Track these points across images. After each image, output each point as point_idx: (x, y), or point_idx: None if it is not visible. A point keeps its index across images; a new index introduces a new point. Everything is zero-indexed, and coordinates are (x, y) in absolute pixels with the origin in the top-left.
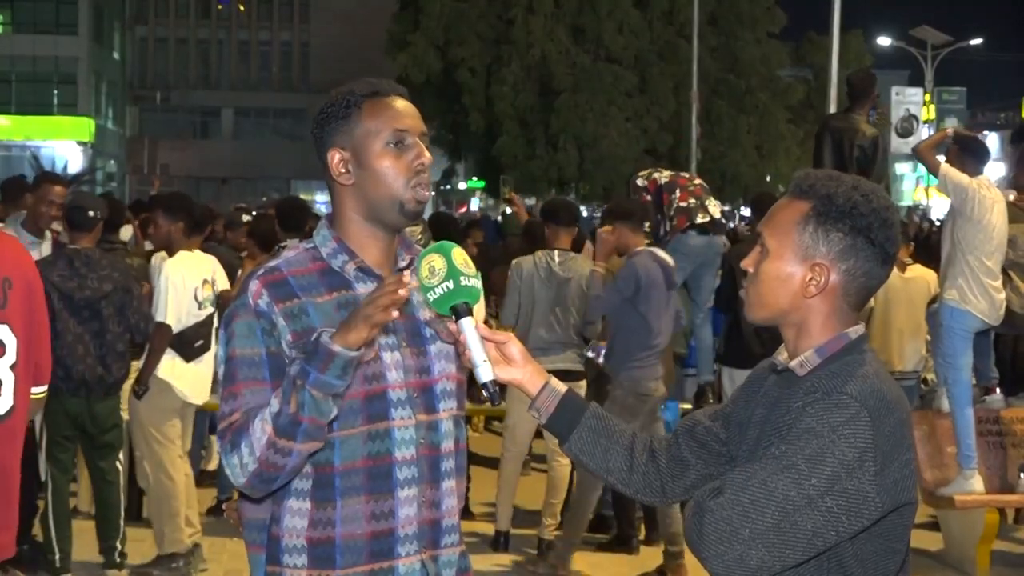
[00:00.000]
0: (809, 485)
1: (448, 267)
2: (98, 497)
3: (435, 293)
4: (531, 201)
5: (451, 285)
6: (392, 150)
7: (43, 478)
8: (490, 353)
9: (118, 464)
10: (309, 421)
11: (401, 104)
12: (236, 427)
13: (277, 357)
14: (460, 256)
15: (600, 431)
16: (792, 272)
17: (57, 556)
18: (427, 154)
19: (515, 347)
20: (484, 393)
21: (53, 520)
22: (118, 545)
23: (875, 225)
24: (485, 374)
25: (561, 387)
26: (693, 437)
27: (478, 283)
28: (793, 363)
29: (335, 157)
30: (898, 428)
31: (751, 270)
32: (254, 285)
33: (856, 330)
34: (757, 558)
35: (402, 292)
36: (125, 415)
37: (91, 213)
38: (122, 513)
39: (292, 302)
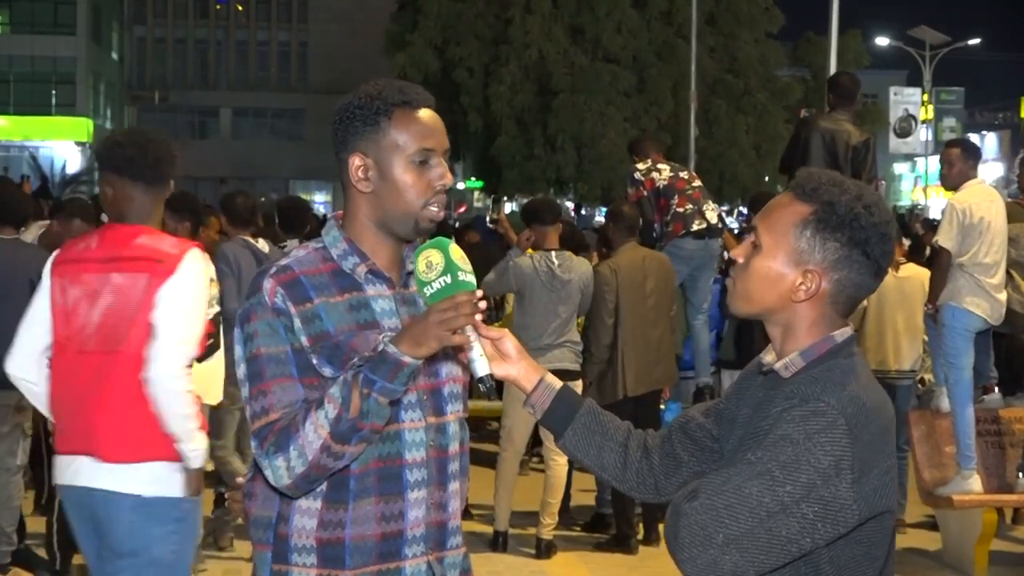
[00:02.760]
0: (784, 492)
1: (445, 262)
2: None
3: (432, 288)
4: None
5: (448, 280)
6: (416, 168)
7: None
8: (486, 349)
9: None
10: (370, 427)
11: (429, 118)
12: (279, 428)
13: (301, 354)
14: (457, 252)
15: (594, 428)
16: (783, 273)
17: (58, 560)
18: (449, 175)
19: (510, 343)
20: (481, 387)
21: (57, 527)
22: None
23: (873, 239)
24: (482, 368)
25: (556, 383)
26: (686, 434)
27: (474, 279)
28: (778, 365)
29: (355, 162)
30: (879, 435)
31: (740, 261)
32: (268, 284)
33: (842, 333)
34: (731, 563)
35: (478, 317)
36: None
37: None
38: None
39: (306, 305)
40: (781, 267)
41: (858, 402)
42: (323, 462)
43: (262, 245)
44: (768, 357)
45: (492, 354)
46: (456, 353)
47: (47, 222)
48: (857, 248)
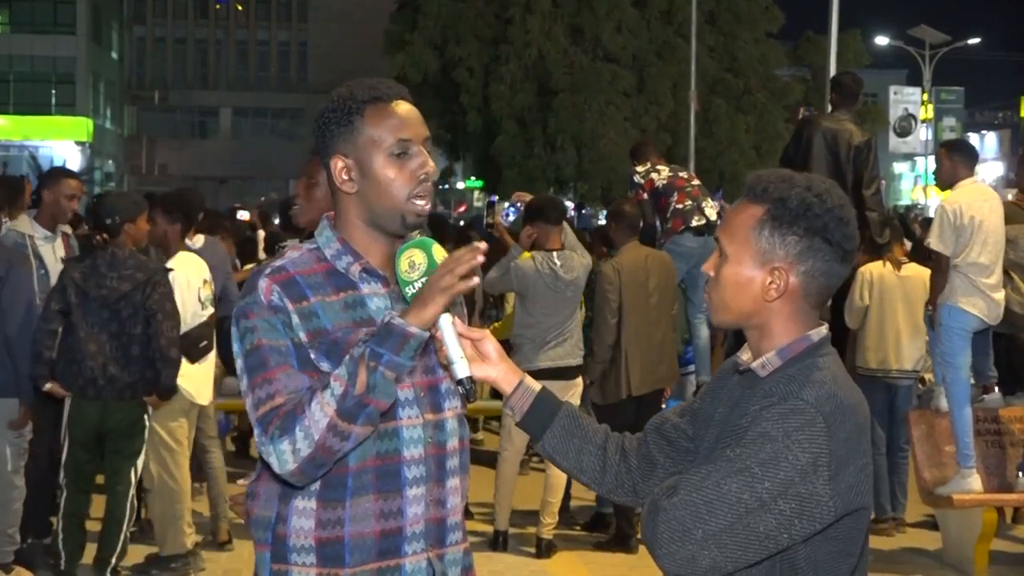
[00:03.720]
0: (762, 488)
1: (428, 262)
2: (106, 505)
3: (414, 288)
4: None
5: None
6: (395, 160)
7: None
8: (465, 350)
9: (131, 475)
10: (375, 404)
11: (404, 109)
12: (284, 412)
13: (301, 348)
14: (440, 252)
15: (573, 431)
16: (752, 276)
17: (62, 559)
18: (431, 163)
19: (490, 344)
20: (460, 390)
21: (62, 525)
22: (112, 560)
23: (831, 225)
24: (461, 370)
25: (535, 385)
26: (661, 435)
27: None
28: (755, 364)
29: (338, 164)
30: (855, 433)
31: (712, 274)
32: (263, 283)
33: (818, 332)
34: (709, 558)
35: (480, 259)
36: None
37: (108, 220)
38: (125, 528)
39: (303, 303)
40: (748, 270)
41: (836, 400)
42: (329, 443)
43: (197, 241)
44: (744, 356)
45: (472, 355)
46: (436, 352)
47: (34, 210)
48: (817, 236)
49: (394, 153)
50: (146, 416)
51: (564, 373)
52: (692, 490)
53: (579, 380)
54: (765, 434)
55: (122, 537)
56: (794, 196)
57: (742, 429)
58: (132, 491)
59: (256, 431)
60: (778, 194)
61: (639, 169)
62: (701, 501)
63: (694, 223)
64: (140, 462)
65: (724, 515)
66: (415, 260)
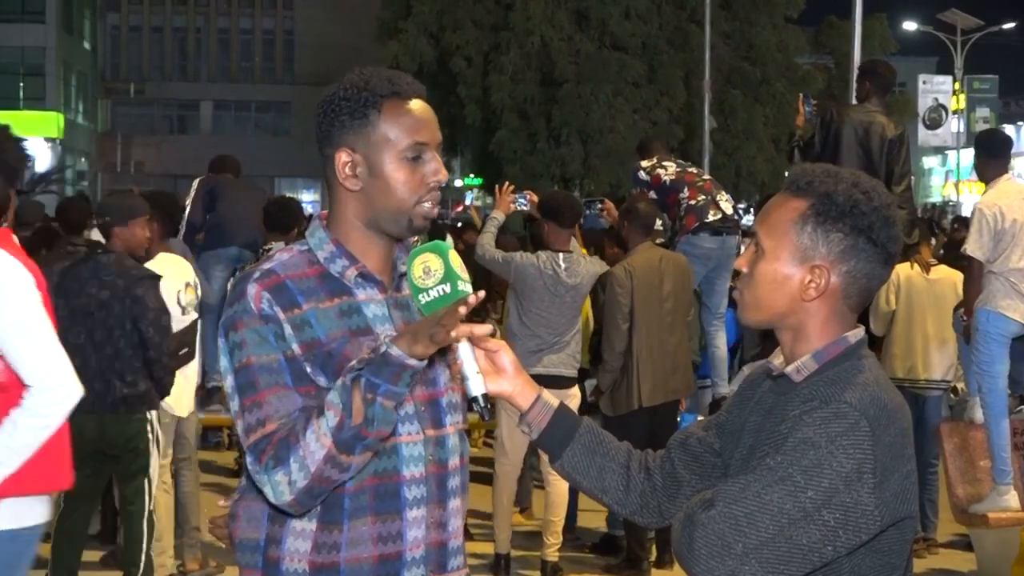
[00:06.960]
0: (805, 498)
1: (445, 269)
2: (123, 523)
3: (428, 296)
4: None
5: (447, 288)
6: (408, 163)
7: None
8: (480, 362)
9: (145, 494)
10: (375, 436)
11: (421, 110)
12: (278, 440)
13: (294, 362)
14: (456, 258)
15: (595, 448)
16: (790, 274)
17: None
18: (443, 171)
19: (507, 357)
20: (474, 407)
21: (54, 540)
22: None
23: (877, 224)
24: (476, 387)
25: (554, 401)
26: (686, 450)
27: (471, 288)
28: (789, 369)
29: (343, 158)
30: (899, 439)
31: (745, 270)
32: (252, 289)
33: (855, 334)
34: (750, 574)
35: (483, 330)
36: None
37: (99, 222)
38: (143, 547)
39: (295, 311)
40: (787, 268)
41: (880, 403)
42: (327, 474)
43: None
44: (777, 361)
45: (486, 368)
46: (450, 367)
47: None
48: (861, 236)
49: (408, 156)
50: (148, 430)
51: (557, 382)
52: (731, 502)
53: (575, 391)
54: (807, 440)
55: (142, 556)
56: (841, 192)
57: (781, 436)
58: (148, 509)
59: (248, 459)
60: (824, 188)
61: (644, 165)
62: (741, 513)
63: (710, 218)
64: (149, 481)
65: (766, 527)
66: (430, 266)
